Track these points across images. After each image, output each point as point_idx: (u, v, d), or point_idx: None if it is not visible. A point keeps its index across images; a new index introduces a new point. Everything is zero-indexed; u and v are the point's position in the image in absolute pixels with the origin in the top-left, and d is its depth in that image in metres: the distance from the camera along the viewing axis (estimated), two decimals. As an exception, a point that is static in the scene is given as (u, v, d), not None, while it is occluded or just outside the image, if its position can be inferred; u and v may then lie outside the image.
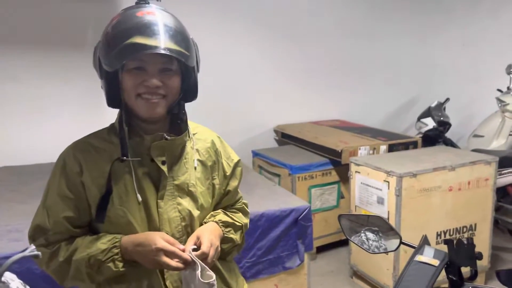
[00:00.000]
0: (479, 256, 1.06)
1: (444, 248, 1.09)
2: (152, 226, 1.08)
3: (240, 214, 1.28)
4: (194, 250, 1.03)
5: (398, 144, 3.41)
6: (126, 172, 1.07)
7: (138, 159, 1.08)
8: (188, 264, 1.00)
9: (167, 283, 1.09)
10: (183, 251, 1.01)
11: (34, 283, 1.75)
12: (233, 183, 1.26)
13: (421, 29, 4.62)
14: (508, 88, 3.92)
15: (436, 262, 1.04)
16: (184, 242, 1.08)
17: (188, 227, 1.12)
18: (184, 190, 1.12)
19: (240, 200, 1.32)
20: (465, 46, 4.73)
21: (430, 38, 4.68)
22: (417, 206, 2.55)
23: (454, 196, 2.66)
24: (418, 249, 1.10)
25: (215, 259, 1.09)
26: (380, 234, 1.26)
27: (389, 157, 2.99)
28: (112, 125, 1.14)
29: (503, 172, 3.26)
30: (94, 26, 3.28)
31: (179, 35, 1.03)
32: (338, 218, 1.32)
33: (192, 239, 1.06)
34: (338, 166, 3.32)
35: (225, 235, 1.17)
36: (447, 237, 2.69)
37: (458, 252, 1.07)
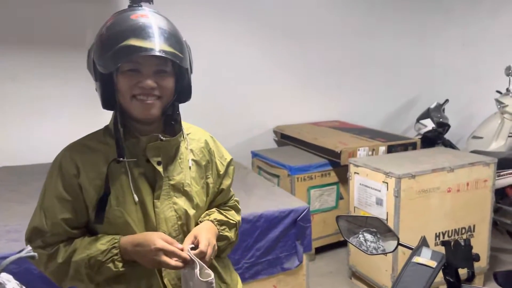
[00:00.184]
0: (476, 258, 1.07)
1: (442, 249, 1.10)
2: (149, 225, 1.09)
3: (233, 211, 1.30)
4: (192, 249, 1.05)
5: (397, 145, 3.41)
6: (122, 173, 1.08)
7: (134, 160, 1.09)
8: (187, 263, 1.02)
9: (165, 281, 1.11)
10: (182, 250, 1.03)
11: (32, 284, 1.75)
12: (226, 182, 1.28)
13: (421, 29, 4.62)
14: (507, 89, 3.93)
15: (433, 264, 1.05)
16: (180, 241, 1.09)
17: (184, 226, 1.14)
18: (180, 190, 1.14)
19: (232, 198, 1.34)
20: (464, 47, 4.74)
21: (430, 38, 4.68)
22: (416, 207, 2.55)
23: (453, 198, 2.66)
24: (416, 251, 1.11)
25: (213, 257, 1.11)
26: (378, 236, 1.26)
27: (388, 158, 2.99)
28: (106, 127, 1.14)
29: (502, 173, 3.26)
30: (94, 26, 3.25)
31: (173, 37, 1.04)
32: (336, 219, 1.33)
33: (189, 238, 1.08)
34: (337, 167, 3.33)
35: (221, 233, 1.19)
36: (446, 238, 2.69)
37: (456, 253, 1.07)
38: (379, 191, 2.61)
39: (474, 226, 2.78)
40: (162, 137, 1.10)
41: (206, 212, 1.22)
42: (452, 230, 2.72)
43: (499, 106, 3.88)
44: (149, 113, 1.06)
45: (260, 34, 3.88)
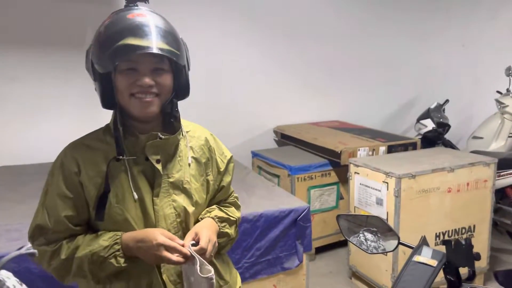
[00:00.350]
0: (477, 257, 1.07)
1: (443, 249, 1.10)
2: (148, 223, 1.11)
3: (233, 208, 1.32)
4: (192, 245, 1.06)
5: (397, 146, 3.41)
6: (122, 171, 1.09)
7: (133, 158, 1.11)
8: (188, 259, 1.04)
9: (164, 277, 1.12)
10: (183, 246, 1.05)
11: (32, 282, 1.75)
12: (227, 179, 1.29)
13: (421, 30, 4.62)
14: (507, 90, 3.93)
15: (434, 263, 1.05)
16: (179, 238, 1.10)
17: (183, 223, 1.15)
18: (179, 187, 1.15)
19: (232, 194, 1.35)
20: (464, 47, 4.74)
21: (430, 38, 4.68)
22: (416, 207, 2.55)
23: (453, 198, 2.66)
24: (416, 250, 1.11)
25: (213, 254, 1.12)
26: (379, 235, 1.26)
27: (388, 158, 2.99)
28: (107, 126, 1.16)
29: (502, 173, 3.26)
30: (94, 26, 3.25)
31: (169, 35, 1.06)
32: (337, 218, 1.33)
33: (190, 235, 1.10)
34: (338, 167, 3.33)
35: (221, 230, 1.21)
36: (446, 238, 2.69)
37: (456, 252, 1.07)
38: (379, 191, 2.61)
39: (474, 226, 2.78)
40: (161, 135, 1.11)
41: (207, 209, 1.23)
42: (452, 230, 2.71)
43: (499, 107, 3.88)
44: (148, 110, 1.07)
45: (260, 34, 3.89)
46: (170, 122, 1.17)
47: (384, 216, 2.57)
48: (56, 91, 3.28)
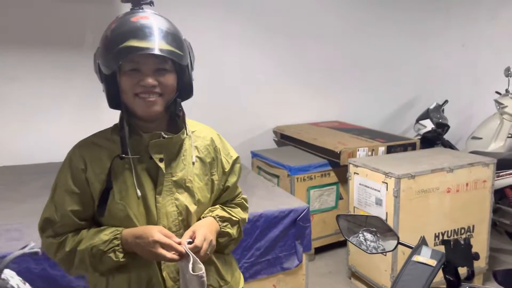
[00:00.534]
0: (476, 257, 1.07)
1: (442, 249, 1.10)
2: (151, 220, 1.13)
3: (239, 209, 1.32)
4: (189, 243, 1.08)
5: (397, 146, 3.42)
6: (126, 169, 1.13)
7: (137, 157, 1.13)
8: (183, 256, 1.06)
9: (164, 274, 1.15)
10: (180, 244, 1.07)
11: (32, 282, 1.75)
12: (232, 179, 1.30)
13: (421, 30, 4.62)
14: (506, 90, 3.94)
15: (433, 262, 1.05)
16: (181, 236, 1.12)
17: (184, 221, 1.17)
18: (182, 186, 1.17)
19: (239, 196, 1.36)
20: (464, 48, 4.75)
21: (429, 39, 4.68)
22: (415, 208, 2.55)
23: (452, 198, 2.66)
24: (416, 249, 1.11)
25: (209, 253, 1.13)
26: (378, 235, 1.26)
27: (387, 158, 3.00)
28: (115, 125, 1.19)
29: (501, 174, 3.27)
30: (93, 27, 3.29)
31: (171, 35, 1.09)
32: (336, 218, 1.33)
33: (188, 233, 1.11)
34: (337, 167, 3.33)
35: (222, 229, 1.22)
36: (445, 238, 2.70)
37: (455, 252, 1.08)
38: (379, 191, 2.62)
39: (473, 226, 2.79)
40: (164, 135, 1.13)
41: (209, 208, 1.24)
42: (451, 231, 2.72)
43: (498, 107, 3.89)
44: (152, 110, 1.10)
45: (261, 35, 3.89)
46: (175, 121, 1.19)
47: (383, 217, 2.58)
48: (56, 91, 3.28)
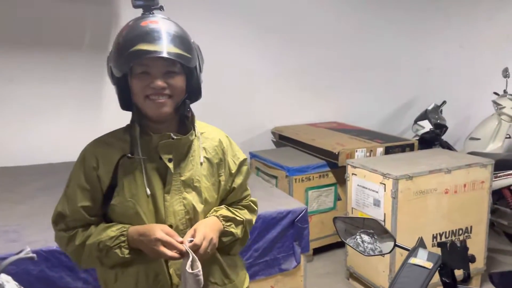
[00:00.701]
0: (472, 259, 1.08)
1: (439, 251, 1.10)
2: (159, 218, 1.18)
3: (246, 210, 1.34)
4: (190, 242, 1.10)
5: (395, 147, 3.42)
6: (137, 168, 1.17)
7: (144, 158, 1.17)
8: (184, 255, 1.09)
9: (171, 271, 1.19)
10: (182, 243, 1.10)
11: (30, 284, 1.75)
12: (238, 180, 1.32)
13: (419, 31, 4.63)
14: (504, 91, 3.95)
15: (429, 265, 1.05)
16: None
17: (192, 220, 1.20)
18: (190, 186, 1.21)
19: (247, 198, 1.38)
20: (462, 48, 4.75)
21: (427, 39, 4.69)
22: (413, 209, 2.56)
23: (450, 199, 2.67)
24: (412, 252, 1.12)
25: (209, 251, 1.15)
26: (375, 237, 1.27)
27: (385, 159, 3.00)
28: (128, 125, 1.24)
29: (499, 174, 3.28)
30: (94, 27, 3.29)
31: (178, 38, 1.12)
32: (333, 221, 1.34)
33: (190, 232, 1.15)
34: (335, 168, 3.33)
35: (225, 228, 1.24)
36: (443, 239, 2.70)
37: (452, 254, 1.08)
38: (377, 192, 2.62)
39: (471, 227, 2.80)
40: (173, 136, 1.17)
41: (214, 208, 1.27)
42: (449, 231, 2.73)
43: (496, 108, 3.90)
44: (161, 111, 1.14)
45: (259, 35, 3.89)
46: (184, 123, 1.24)
47: (381, 218, 2.58)
48: (55, 92, 3.28)
